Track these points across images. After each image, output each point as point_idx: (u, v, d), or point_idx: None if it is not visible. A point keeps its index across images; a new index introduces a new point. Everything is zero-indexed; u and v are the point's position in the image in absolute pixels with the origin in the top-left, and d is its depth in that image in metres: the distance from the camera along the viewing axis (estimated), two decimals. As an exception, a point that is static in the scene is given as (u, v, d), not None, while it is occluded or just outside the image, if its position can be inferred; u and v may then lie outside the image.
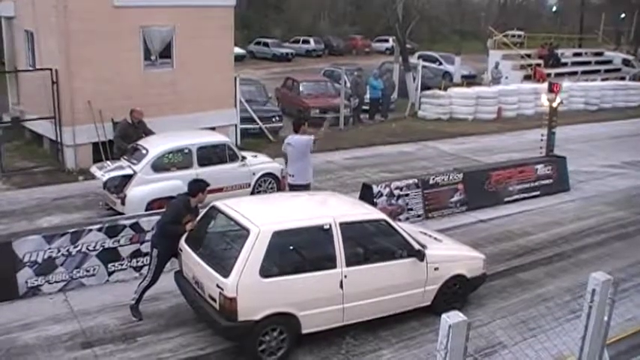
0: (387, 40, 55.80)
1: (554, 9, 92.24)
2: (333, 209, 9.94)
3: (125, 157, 14.28)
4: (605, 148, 23.51)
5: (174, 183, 13.19)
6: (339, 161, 19.79)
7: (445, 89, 29.18)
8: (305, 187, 12.71)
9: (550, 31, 54.52)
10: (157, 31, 18.56)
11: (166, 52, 18.91)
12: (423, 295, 9.82)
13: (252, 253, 8.32)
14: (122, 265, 11.09)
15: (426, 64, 35.40)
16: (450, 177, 15.27)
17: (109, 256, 10.95)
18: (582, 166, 20.08)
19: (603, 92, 33.77)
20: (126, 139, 14.97)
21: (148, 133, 15.30)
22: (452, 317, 5.22)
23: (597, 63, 45.00)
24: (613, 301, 6.65)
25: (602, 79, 38.59)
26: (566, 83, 32.15)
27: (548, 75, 36.27)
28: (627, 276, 12.14)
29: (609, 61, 46.29)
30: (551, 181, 17.24)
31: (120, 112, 16.97)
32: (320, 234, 8.94)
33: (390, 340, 9.51)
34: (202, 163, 14.10)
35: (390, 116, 27.27)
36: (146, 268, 10.40)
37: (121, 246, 11.03)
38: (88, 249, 10.71)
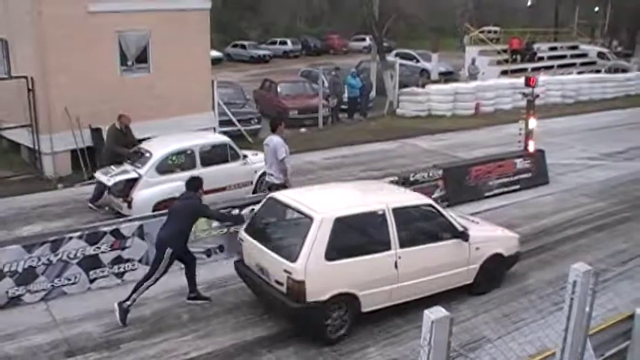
0: (364, 39, 55.75)
1: (529, 4, 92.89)
2: (384, 196, 10.59)
3: (129, 161, 14.48)
4: (583, 141, 23.68)
5: (178, 184, 12.90)
6: (319, 161, 19.78)
7: (423, 86, 29.28)
8: (281, 187, 12.78)
9: (526, 26, 54.79)
10: (132, 36, 18.47)
11: (143, 57, 18.81)
12: (466, 274, 10.56)
13: (317, 239, 8.91)
14: (104, 272, 11.01)
15: (404, 61, 35.58)
16: (430, 174, 15.33)
17: (90, 263, 10.85)
18: (561, 159, 20.20)
19: (579, 85, 34.04)
20: (117, 145, 15.07)
21: (133, 139, 15.31)
22: (434, 313, 5.22)
23: (573, 56, 45.36)
24: (594, 292, 6.69)
25: (578, 72, 38.89)
26: (542, 77, 32.43)
27: (524, 70, 36.46)
28: (607, 266, 12.26)
29: (584, 55, 46.67)
30: (530, 174, 17.36)
31: (98, 118, 16.90)
32: (375, 219, 9.64)
33: (376, 338, 9.54)
34: (205, 164, 14.31)
35: (368, 115, 27.32)
36: (128, 273, 10.38)
37: (102, 253, 10.95)
38: (68, 257, 10.62)
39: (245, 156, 15.39)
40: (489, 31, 51.13)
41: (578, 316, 6.64)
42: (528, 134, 17.35)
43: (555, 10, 54.32)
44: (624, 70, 41.99)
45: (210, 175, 13.40)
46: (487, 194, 16.28)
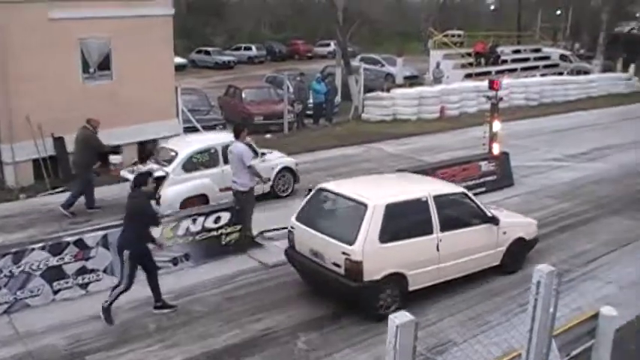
0: (329, 44, 56.01)
1: (492, 7, 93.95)
2: (425, 185, 11.95)
3: (153, 159, 15.36)
4: (548, 142, 24.03)
5: (203, 181, 14.68)
6: (285, 167, 19.78)
7: (388, 91, 29.43)
8: (247, 193, 12.77)
9: (489, 29, 55.38)
10: (94, 43, 18.31)
11: (105, 64, 18.66)
12: (494, 256, 11.72)
13: (371, 223, 9.87)
14: (67, 283, 10.88)
15: (368, 66, 35.76)
16: (395, 178, 15.37)
17: (53, 274, 10.72)
18: (526, 161, 20.47)
19: (543, 87, 34.50)
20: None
21: None
22: (399, 317, 5.27)
23: (536, 59, 46.01)
24: (558, 292, 6.78)
25: (541, 75, 39.49)
26: (506, 80, 32.76)
27: (489, 73, 36.87)
28: (571, 267, 12.47)
29: (547, 57, 47.36)
30: (495, 177, 17.57)
31: (60, 127, 16.73)
32: (419, 205, 10.64)
33: (339, 345, 9.58)
34: (227, 161, 14.41)
35: (334, 120, 27.42)
36: (93, 284, 10.29)
37: (65, 264, 10.81)
38: (31, 268, 10.48)
39: (263, 153, 16.22)
40: (453, 35, 51.52)
41: (542, 316, 6.73)
42: (493, 137, 17.53)
43: (518, 14, 55.05)
44: (586, 72, 42.65)
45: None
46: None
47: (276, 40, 62.59)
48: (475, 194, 16.26)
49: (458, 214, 11.29)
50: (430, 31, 45.04)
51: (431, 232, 10.53)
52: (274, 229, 13.59)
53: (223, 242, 12.74)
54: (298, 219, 11.04)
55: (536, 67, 43.54)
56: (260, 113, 25.28)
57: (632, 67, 44.13)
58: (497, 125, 17.45)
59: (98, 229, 11.46)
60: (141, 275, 10.19)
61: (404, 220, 10.46)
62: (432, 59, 37.97)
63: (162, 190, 14.19)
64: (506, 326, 9.50)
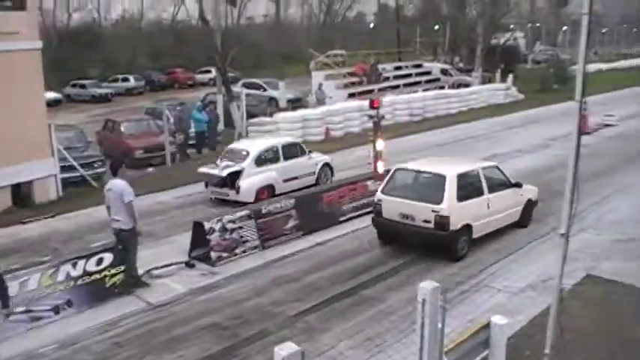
0: (209, 71, 55.63)
1: (372, 25, 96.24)
2: (472, 162, 16.11)
3: (228, 157, 18.96)
4: (432, 157, 24.62)
5: (270, 174, 18.69)
6: (169, 201, 19.44)
7: (271, 115, 29.55)
8: (130, 232, 12.46)
9: (370, 47, 56.56)
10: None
11: (-31, 104, 17.83)
12: (516, 213, 15.58)
13: (450, 188, 13.63)
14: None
15: (250, 91, 35.91)
16: (283, 204, 15.48)
17: None
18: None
19: (425, 102, 35.56)
20: None
21: None
22: (285, 349, 5.26)
23: (417, 75, 47.34)
24: (444, 309, 6.92)
25: (424, 90, 40.61)
26: (389, 97, 33.60)
27: (371, 91, 37.63)
28: (463, 278, 12.86)
29: (428, 72, 48.84)
30: (383, 195, 17.92)
31: None
32: (474, 176, 14.57)
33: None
34: (286, 157, 19.24)
35: (218, 148, 27.17)
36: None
37: None
38: None
39: (310, 151, 20.47)
40: (335, 55, 52.36)
41: (431, 333, 6.85)
42: (377, 155, 17.85)
43: (397, 31, 56.55)
44: (467, 85, 44.35)
45: (289, 166, 19.16)
46: (342, 219, 16.62)
47: (154, 70, 61.70)
48: (363, 214, 16.80)
49: (496, 181, 14.99)
50: (311, 53, 45.51)
51: (483, 194, 14.39)
52: (162, 266, 13.37)
53: (108, 285, 12.36)
54: (384, 193, 14.52)
55: (418, 83, 44.77)
56: (140, 147, 24.79)
57: (509, 77, 46.22)
58: (380, 144, 17.80)
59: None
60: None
61: (468, 186, 14.21)
62: (314, 81, 38.40)
63: (240, 181, 18.02)
64: (405, 343, 9.68)
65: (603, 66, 75.94)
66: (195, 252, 14.06)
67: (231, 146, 20.21)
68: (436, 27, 62.85)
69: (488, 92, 41.95)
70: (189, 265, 13.76)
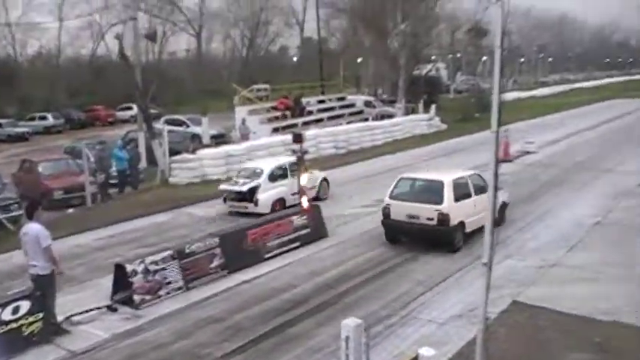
0: (130, 108, 55.07)
1: (295, 59, 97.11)
2: (462, 171, 19.01)
3: (243, 175, 22.11)
4: (358, 189, 25.03)
5: (281, 188, 21.64)
6: (90, 243, 18.96)
7: (194, 152, 29.32)
8: (48, 278, 12.13)
9: (294, 81, 57.00)
10: None
11: None
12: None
13: (449, 191, 16.73)
14: None
15: (173, 128, 35.51)
16: (207, 243, 15.29)
17: None
18: (338, 210, 21.19)
19: (350, 135, 35.96)
20: None
21: None
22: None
23: (341, 107, 47.84)
24: (368, 345, 6.95)
25: (348, 123, 41.06)
26: (313, 131, 33.85)
27: (296, 125, 37.84)
28: (392, 311, 12.95)
29: (352, 105, 49.45)
30: (308, 230, 17.90)
31: None
32: (464, 181, 17.63)
33: None
34: (292, 174, 21.55)
35: (140, 187, 26.84)
36: None
37: None
38: None
39: (312, 170, 23.19)
40: (259, 89, 52.51)
41: (356, 370, 6.86)
42: (301, 190, 17.90)
43: (320, 64, 57.00)
44: (390, 116, 45.03)
45: (295, 182, 20.52)
46: (267, 256, 16.51)
47: (74, 107, 60.60)
48: (289, 250, 16.79)
49: (478, 186, 17.46)
50: (234, 87, 45.50)
51: (471, 196, 17.32)
52: (82, 312, 13.04)
53: (25, 334, 11.91)
54: (392, 198, 17.45)
55: (342, 116, 45.23)
56: (60, 187, 24.19)
57: (432, 108, 47.15)
58: (304, 178, 17.86)
59: None
60: None
61: (459, 190, 17.17)
62: (238, 116, 38.32)
63: (257, 195, 20.98)
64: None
65: (523, 94, 78.49)
66: (118, 295, 13.74)
67: (245, 165, 23.67)
68: (359, 59, 63.77)
69: (412, 123, 42.74)
70: (111, 309, 13.45)
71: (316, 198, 22.58)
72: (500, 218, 18.16)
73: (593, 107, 64.82)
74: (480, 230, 15.91)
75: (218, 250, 15.35)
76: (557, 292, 13.68)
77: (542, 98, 77.54)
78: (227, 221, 19.70)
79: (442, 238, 16.67)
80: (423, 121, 44.09)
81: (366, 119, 44.28)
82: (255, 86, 52.39)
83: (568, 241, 17.57)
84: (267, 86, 53.66)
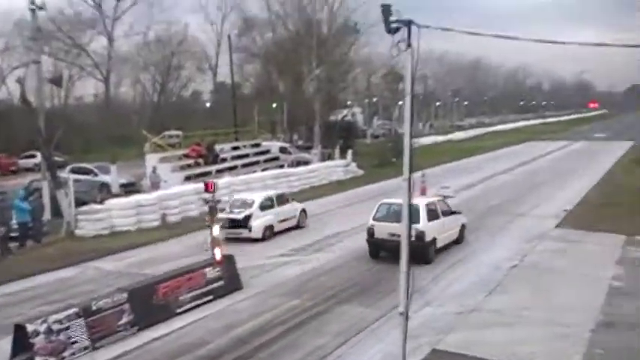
0: (34, 156, 53.72)
1: (208, 104, 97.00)
2: (433, 197, 24.36)
3: (235, 205, 25.64)
4: (275, 238, 25.19)
5: (270, 217, 25.64)
6: (-13, 301, 18.37)
7: (102, 202, 28.79)
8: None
9: (207, 127, 56.86)
10: None
11: None
12: (456, 232, 23.00)
13: (424, 213, 20.53)
14: None
15: (79, 176, 34.86)
16: (115, 298, 14.98)
17: None
18: (253, 260, 21.12)
19: (265, 182, 35.98)
20: None
21: None
22: None
23: (256, 154, 47.90)
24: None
25: (262, 170, 41.16)
26: (226, 179, 33.78)
27: (209, 173, 37.70)
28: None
29: (267, 151, 49.58)
30: (222, 282, 17.78)
31: None
32: (433, 205, 21.77)
33: None
34: (278, 204, 26.48)
35: (43, 240, 26.10)
36: None
37: None
38: None
39: (293, 199, 28.77)
40: (171, 136, 52.17)
41: None
42: (214, 241, 17.80)
43: (234, 109, 57.09)
44: (306, 163, 45.31)
45: (281, 211, 26.36)
46: (179, 310, 16.29)
47: (-30, 156, 58.72)
48: (202, 304, 16.64)
49: (446, 210, 22.56)
50: (145, 134, 45.10)
51: (439, 218, 21.60)
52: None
53: None
54: (375, 220, 21.32)
55: (257, 163, 45.31)
56: (-48, 244, 23.43)
57: (349, 153, 47.78)
58: (217, 229, 17.78)
59: None
60: None
61: (431, 212, 21.26)
62: (149, 163, 37.85)
63: (251, 222, 24.69)
64: None
65: (439, 138, 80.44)
66: (17, 358, 13.28)
67: (237, 197, 26.97)
68: (274, 105, 64.25)
69: (329, 169, 43.17)
70: (10, 373, 13.04)
71: (297, 226, 27.09)
72: (460, 237, 23.37)
73: (508, 150, 66.91)
74: (447, 247, 22.19)
75: (127, 306, 15.07)
76: (476, 338, 14.01)
77: (459, 142, 79.53)
78: (136, 275, 19.32)
79: (419, 252, 18.43)
80: (340, 167, 44.57)
81: (282, 166, 44.46)
82: (167, 133, 52.11)
83: (487, 285, 18.10)
84: (179, 133, 53.39)
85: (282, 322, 15.65)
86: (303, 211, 27.93)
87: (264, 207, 25.49)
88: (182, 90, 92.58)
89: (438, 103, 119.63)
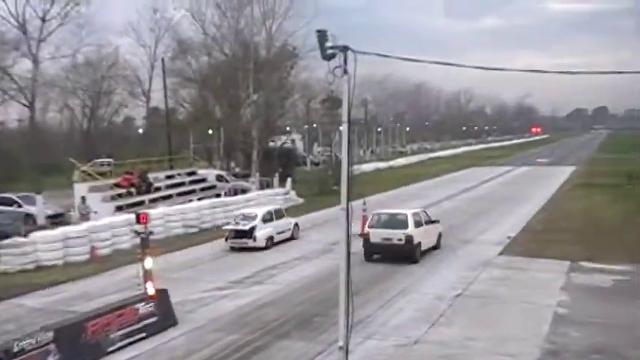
0: (-47, 187, 52.37)
1: (140, 130, 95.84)
2: (414, 208, 29.76)
3: (240, 218, 29.99)
4: (211, 271, 24.80)
5: (270, 229, 29.91)
6: None
7: (27, 235, 28.03)
8: None
9: (140, 154, 56.10)
10: None
11: None
12: (435, 239, 27.68)
13: (411, 220, 25.74)
14: None
15: (2, 208, 34.04)
16: (39, 338, 14.40)
17: None
18: (189, 294, 20.76)
19: (201, 212, 35.74)
20: None
21: None
22: None
23: (191, 182, 47.27)
24: None
25: (199, 199, 40.71)
26: (160, 209, 33.34)
27: (142, 203, 37.16)
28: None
29: (203, 179, 49.02)
30: (156, 318, 17.39)
31: None
32: (419, 214, 27.21)
33: None
34: (276, 218, 30.79)
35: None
36: None
37: None
38: None
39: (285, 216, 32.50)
40: (102, 164, 51.28)
41: None
42: (146, 275, 17.43)
43: (168, 136, 56.53)
44: (244, 191, 45.04)
45: (278, 224, 30.78)
46: (110, 349, 15.87)
47: None
48: (135, 342, 16.25)
49: (427, 219, 27.20)
50: (73, 162, 44.22)
51: (423, 225, 26.30)
52: None
53: None
54: (370, 227, 25.66)
55: (192, 191, 44.78)
56: None
57: (288, 181, 47.68)
58: (149, 262, 17.42)
59: None
60: None
61: (417, 220, 25.99)
62: (77, 193, 37.10)
63: (255, 232, 28.81)
64: None
65: (381, 164, 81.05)
66: None
67: (242, 211, 31.52)
68: (210, 131, 63.79)
69: (267, 198, 42.86)
70: None
71: (291, 237, 31.34)
72: (438, 243, 27.87)
73: (451, 176, 67.73)
74: (429, 250, 26.61)
75: (52, 346, 14.54)
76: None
77: (401, 168, 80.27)
78: (64, 313, 18.73)
79: (408, 253, 25.05)
80: (279, 196, 44.40)
81: (219, 195, 44.07)
82: (97, 160, 51.25)
83: (430, 315, 18.16)
84: (110, 160, 52.55)
85: (222, 357, 15.46)
86: (296, 224, 32.51)
87: (265, 220, 29.84)
88: (113, 116, 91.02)
89: (379, 129, 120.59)
